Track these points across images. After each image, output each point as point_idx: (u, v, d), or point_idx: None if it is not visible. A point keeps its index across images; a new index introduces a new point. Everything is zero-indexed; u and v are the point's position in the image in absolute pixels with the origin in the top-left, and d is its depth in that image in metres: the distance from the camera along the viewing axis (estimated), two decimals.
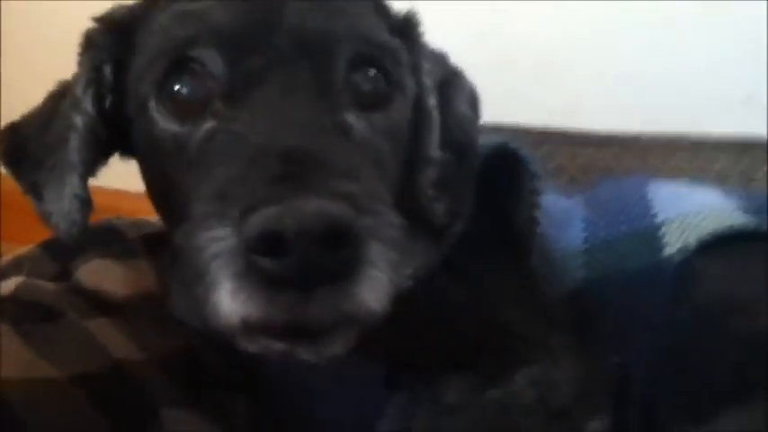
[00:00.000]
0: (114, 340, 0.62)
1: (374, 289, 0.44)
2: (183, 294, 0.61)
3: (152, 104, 0.53)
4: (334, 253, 0.42)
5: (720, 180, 1.03)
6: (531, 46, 1.31)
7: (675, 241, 0.64)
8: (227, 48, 0.51)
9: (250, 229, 0.42)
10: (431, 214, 0.60)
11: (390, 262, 0.45)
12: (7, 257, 0.74)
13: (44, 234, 0.68)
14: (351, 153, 0.49)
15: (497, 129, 1.10)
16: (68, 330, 0.60)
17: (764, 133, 1.07)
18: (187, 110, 0.52)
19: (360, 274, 0.43)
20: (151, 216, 0.71)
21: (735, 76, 1.19)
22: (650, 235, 0.65)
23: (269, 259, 0.42)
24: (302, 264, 0.41)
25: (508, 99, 1.22)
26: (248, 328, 0.44)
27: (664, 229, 0.65)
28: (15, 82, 1.74)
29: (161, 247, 0.70)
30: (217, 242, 0.43)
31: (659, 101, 1.24)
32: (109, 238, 0.75)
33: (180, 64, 0.52)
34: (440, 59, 0.66)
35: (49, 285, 0.66)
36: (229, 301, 0.43)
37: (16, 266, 0.70)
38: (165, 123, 0.53)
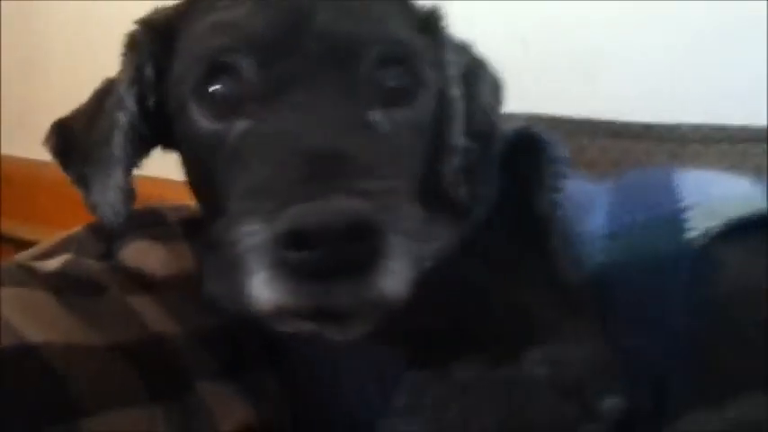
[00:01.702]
0: (154, 315, 0.65)
1: (393, 279, 0.48)
2: (217, 279, 0.64)
3: (191, 105, 0.57)
4: (356, 247, 0.46)
5: (757, 174, 1.02)
6: (572, 38, 1.31)
7: (699, 225, 0.64)
8: (260, 54, 0.55)
9: (279, 226, 0.46)
10: (454, 198, 0.63)
11: (409, 252, 0.49)
12: (56, 238, 0.78)
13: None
14: (375, 150, 0.52)
15: (531, 118, 1.11)
16: (111, 304, 0.63)
17: None
18: (223, 110, 0.56)
19: (379, 266, 0.47)
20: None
21: None
22: (673, 219, 0.65)
23: (297, 253, 0.45)
24: (326, 257, 0.45)
25: (545, 90, 1.23)
26: (280, 312, 0.48)
27: (688, 213, 0.65)
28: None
29: (199, 231, 0.73)
30: (251, 236, 0.47)
31: (698, 93, 1.23)
32: (151, 221, 0.78)
33: (216, 69, 0.56)
34: (464, 50, 0.68)
35: (95, 263, 0.69)
36: (263, 290, 0.47)
37: (64, 246, 0.75)
38: (202, 122, 0.57)
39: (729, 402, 0.56)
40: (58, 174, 0.66)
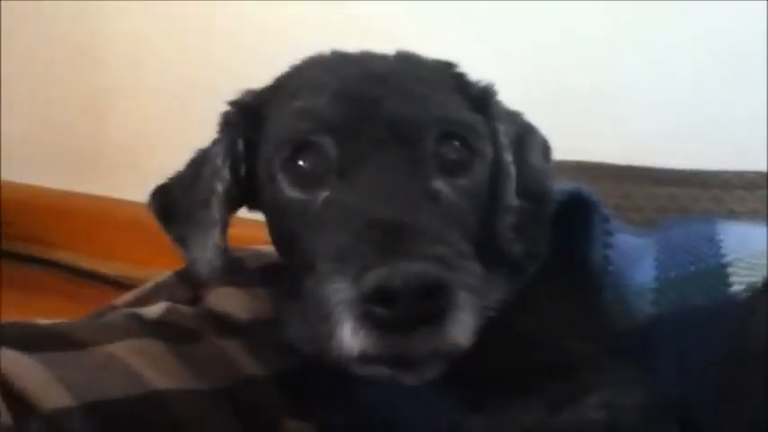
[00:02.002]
0: (243, 358, 0.73)
1: (461, 328, 0.56)
2: (298, 324, 0.72)
3: (280, 177, 0.66)
4: (430, 302, 0.54)
5: None
6: (609, 82, 1.37)
7: (741, 280, 0.70)
8: (338, 135, 0.65)
9: (365, 286, 0.54)
10: (510, 254, 0.70)
11: (473, 306, 0.57)
12: (147, 284, 0.87)
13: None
14: (439, 216, 0.61)
15: (580, 166, 1.17)
16: (207, 348, 0.71)
17: None
18: (308, 181, 0.65)
19: (450, 318, 0.56)
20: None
21: None
22: (717, 273, 0.71)
23: (381, 308, 0.54)
24: (406, 311, 0.54)
25: (588, 136, 1.29)
26: (364, 358, 0.56)
27: (731, 268, 0.71)
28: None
29: (277, 278, 0.81)
30: (339, 293, 0.56)
31: (740, 139, 1.27)
32: (232, 268, 0.86)
33: (302, 147, 0.66)
34: (514, 118, 0.77)
35: (188, 309, 0.77)
36: (350, 338, 0.56)
37: (156, 292, 0.83)
38: (290, 191, 0.66)
39: None
40: (130, 211, 0.73)
